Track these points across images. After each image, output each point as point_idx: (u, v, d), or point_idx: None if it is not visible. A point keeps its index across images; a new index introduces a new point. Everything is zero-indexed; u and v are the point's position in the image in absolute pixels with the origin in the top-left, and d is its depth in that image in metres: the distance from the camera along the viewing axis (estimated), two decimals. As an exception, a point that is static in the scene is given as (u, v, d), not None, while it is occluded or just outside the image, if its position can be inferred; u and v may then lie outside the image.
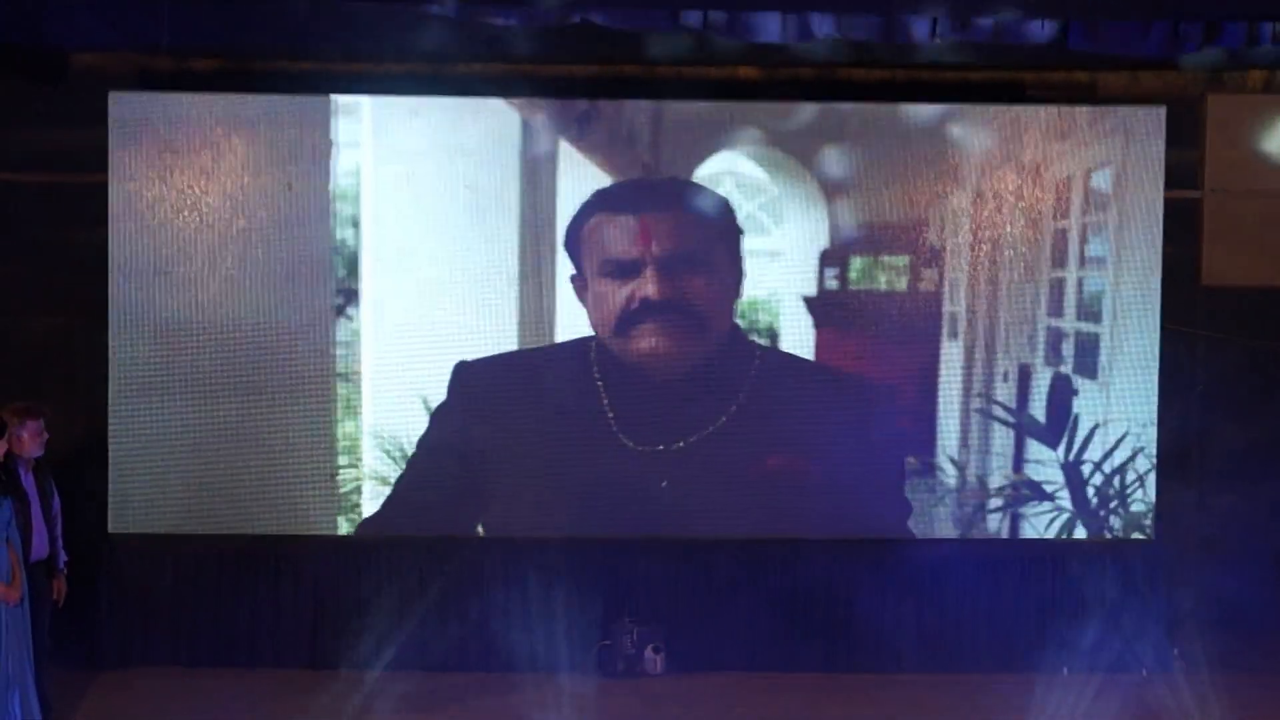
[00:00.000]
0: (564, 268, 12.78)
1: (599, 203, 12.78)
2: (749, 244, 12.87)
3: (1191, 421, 13.47)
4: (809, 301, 12.88)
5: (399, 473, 12.81)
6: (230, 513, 12.86)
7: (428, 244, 12.74)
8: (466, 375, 12.77)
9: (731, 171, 12.88)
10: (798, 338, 12.89)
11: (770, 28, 11.71)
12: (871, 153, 12.86)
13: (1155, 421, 13.00)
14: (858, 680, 12.82)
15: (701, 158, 12.88)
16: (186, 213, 12.75)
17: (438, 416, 12.79)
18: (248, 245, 12.78)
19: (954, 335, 12.83)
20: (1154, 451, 13.01)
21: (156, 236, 12.75)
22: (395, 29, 12.10)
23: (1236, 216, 13.49)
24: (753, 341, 12.85)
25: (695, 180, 12.86)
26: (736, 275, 12.83)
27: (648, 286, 12.68)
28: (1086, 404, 12.98)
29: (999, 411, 12.83)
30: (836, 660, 12.97)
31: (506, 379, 12.80)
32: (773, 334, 12.86)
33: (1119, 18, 11.70)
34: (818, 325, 12.89)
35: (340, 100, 12.75)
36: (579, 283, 12.78)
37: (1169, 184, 12.98)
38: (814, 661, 12.96)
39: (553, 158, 12.81)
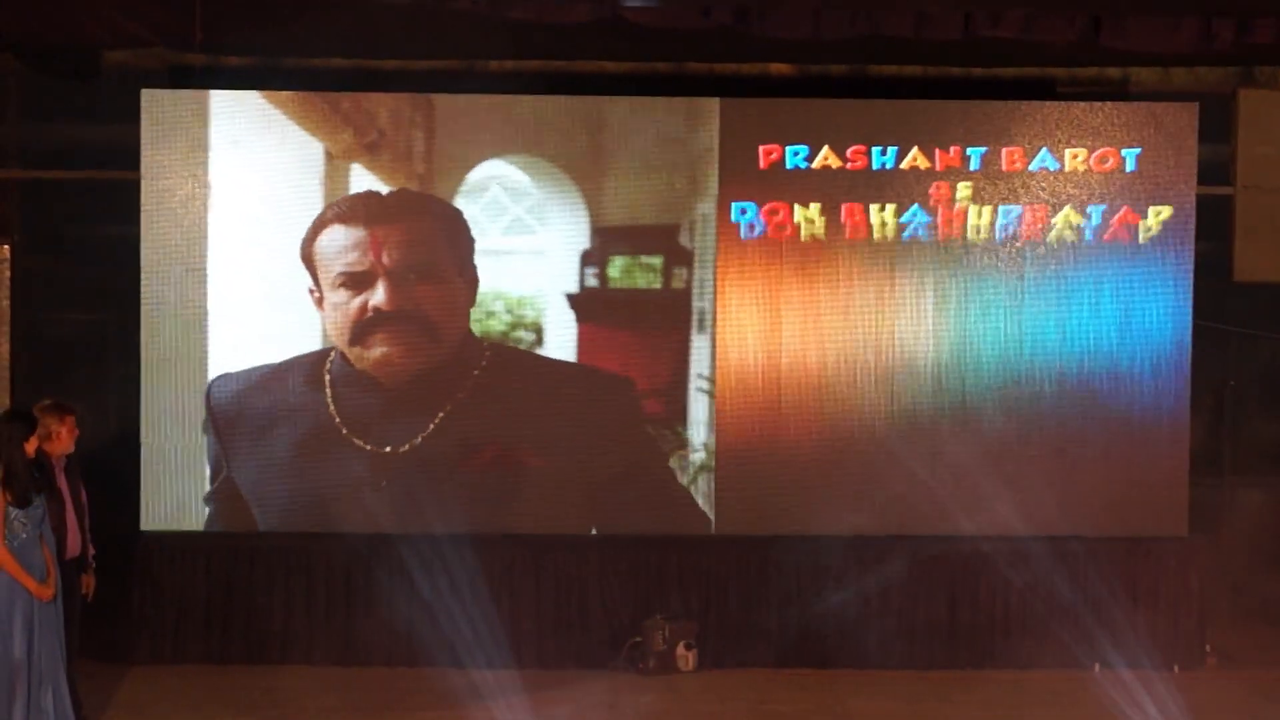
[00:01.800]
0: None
1: (330, 216, 12.85)
2: (516, 243, 12.96)
3: (1223, 417, 13.48)
4: (571, 298, 12.96)
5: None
6: (261, 509, 12.90)
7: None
8: (217, 390, 12.87)
9: (497, 176, 12.93)
10: (561, 332, 12.98)
11: (802, 24, 11.78)
12: (629, 156, 12.92)
13: (1187, 416, 12.98)
14: (891, 677, 12.81)
15: (471, 165, 12.91)
16: (219, 209, 12.77)
17: (207, 431, 12.90)
18: (279, 242, 12.81)
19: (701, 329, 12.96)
20: (1186, 447, 13.00)
21: (188, 233, 12.78)
22: (426, 26, 12.12)
23: (1268, 212, 13.48)
24: (481, 341, 12.92)
25: (464, 186, 12.92)
26: (469, 282, 12.92)
27: (379, 297, 12.78)
28: (1119, 398, 12.96)
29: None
30: (869, 657, 12.95)
31: (252, 393, 12.89)
32: (538, 329, 12.94)
33: (1150, 14, 11.70)
34: (579, 320, 12.97)
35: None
36: (315, 295, 12.84)
37: (1200, 180, 12.98)
38: (846, 658, 12.94)
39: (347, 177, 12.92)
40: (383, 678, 12.60)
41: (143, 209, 12.74)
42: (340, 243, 12.82)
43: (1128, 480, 12.98)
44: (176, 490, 12.87)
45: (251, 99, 12.82)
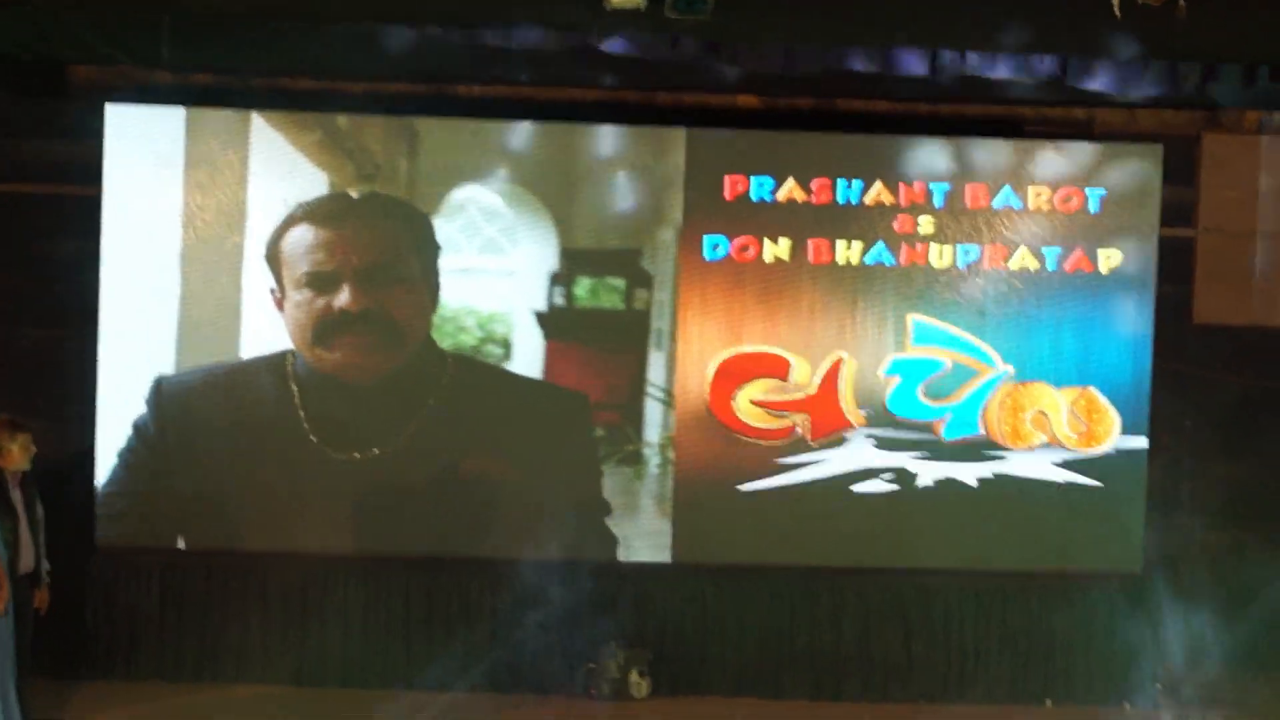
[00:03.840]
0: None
1: (299, 216, 12.86)
2: (489, 263, 13.00)
3: (1181, 459, 13.52)
4: (539, 315, 13.01)
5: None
6: (217, 526, 12.86)
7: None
8: (165, 391, 12.81)
9: (474, 200, 12.96)
10: (529, 347, 13.02)
11: (772, 59, 11.79)
12: (597, 183, 12.99)
13: (1145, 458, 13.04)
14: (845, 709, 12.84)
15: (450, 188, 12.94)
16: (181, 227, 12.74)
17: (138, 432, 12.83)
18: (241, 261, 12.79)
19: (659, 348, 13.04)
20: (1143, 487, 13.06)
21: (150, 250, 12.73)
22: (396, 49, 12.09)
23: (1230, 256, 13.57)
24: (444, 351, 12.94)
25: (440, 206, 12.95)
26: (433, 288, 12.95)
27: (345, 297, 12.79)
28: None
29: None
30: (823, 688, 12.98)
31: (205, 394, 12.84)
32: (506, 343, 12.98)
33: (1118, 56, 11.73)
34: (547, 337, 13.02)
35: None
36: (277, 295, 12.85)
37: (1163, 222, 13.03)
38: (801, 689, 12.97)
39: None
40: (337, 698, 12.59)
41: (105, 226, 12.70)
42: (308, 242, 12.81)
43: (1084, 517, 13.03)
44: (131, 505, 12.80)
45: (217, 117, 12.81)
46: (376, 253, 12.86)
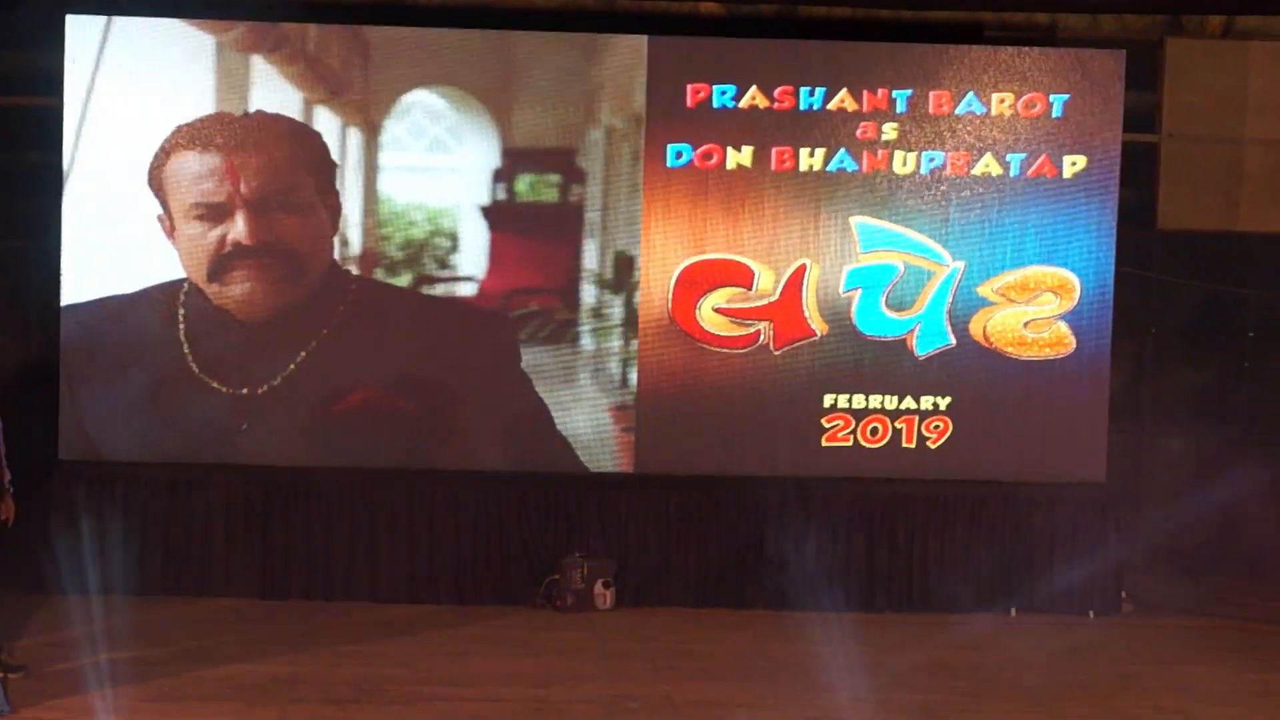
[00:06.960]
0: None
1: (180, 140, 12.60)
2: (436, 161, 13.03)
3: (1145, 364, 13.54)
4: (483, 210, 13.00)
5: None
6: (181, 441, 12.84)
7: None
8: (70, 319, 12.65)
9: (421, 103, 12.94)
10: (474, 239, 13.02)
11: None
12: (535, 87, 12.98)
13: (1108, 363, 13.02)
14: (809, 619, 12.80)
15: (400, 92, 12.88)
16: (142, 138, 12.66)
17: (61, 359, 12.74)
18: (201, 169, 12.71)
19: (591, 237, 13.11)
20: (1106, 394, 13.04)
21: (111, 161, 12.66)
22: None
23: (1193, 161, 13.61)
24: (347, 273, 12.83)
25: (389, 113, 12.90)
26: (332, 210, 12.77)
27: (239, 229, 12.55)
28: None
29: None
30: (787, 598, 12.96)
31: (105, 323, 12.66)
32: (454, 236, 12.97)
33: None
34: (491, 229, 13.02)
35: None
36: (166, 224, 12.60)
37: (1126, 127, 13.00)
38: (765, 599, 12.96)
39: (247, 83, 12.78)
40: (302, 610, 12.56)
41: (67, 137, 12.62)
42: (194, 170, 12.57)
43: (1047, 426, 13.04)
44: (96, 420, 12.78)
45: (179, 26, 12.72)
46: (268, 178, 12.64)
